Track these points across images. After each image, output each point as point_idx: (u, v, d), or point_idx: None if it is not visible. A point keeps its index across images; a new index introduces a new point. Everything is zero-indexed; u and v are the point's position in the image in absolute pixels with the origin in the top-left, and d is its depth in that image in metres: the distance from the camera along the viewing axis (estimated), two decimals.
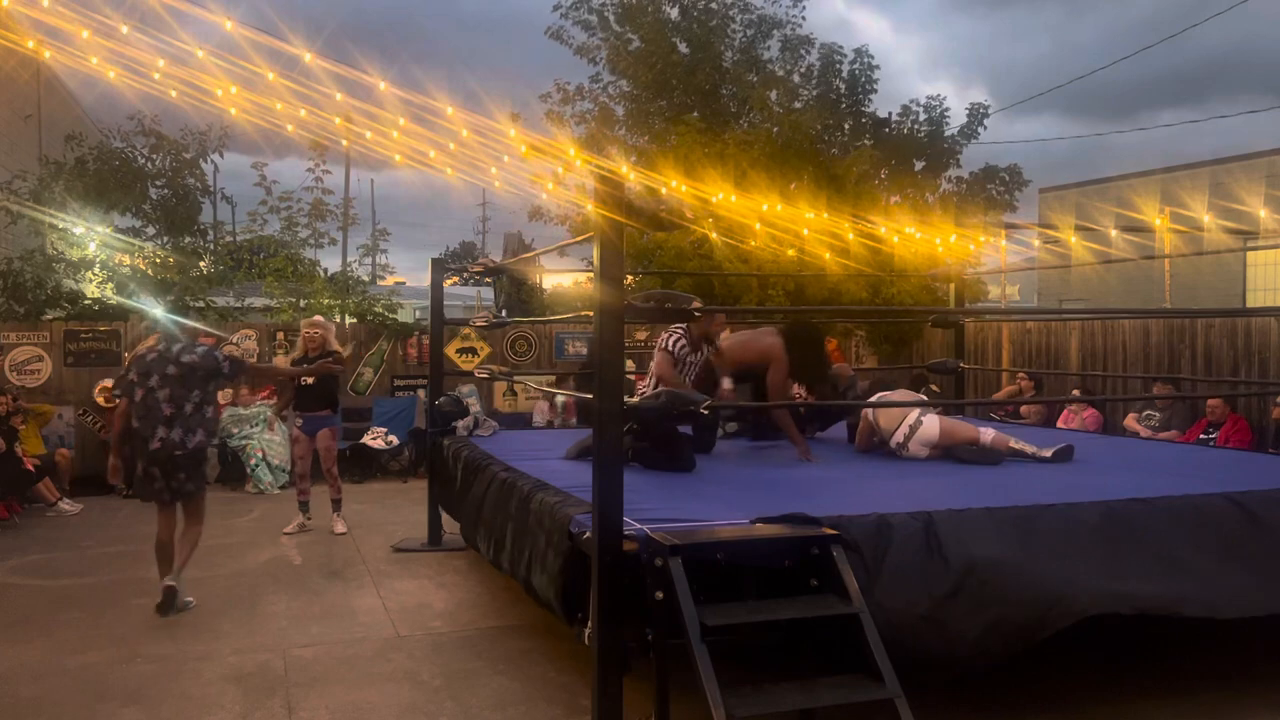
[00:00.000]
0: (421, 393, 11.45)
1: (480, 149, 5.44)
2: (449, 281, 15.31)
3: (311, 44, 4.73)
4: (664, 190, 8.92)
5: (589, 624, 3.86)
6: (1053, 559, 4.01)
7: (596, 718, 3.76)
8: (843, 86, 13.39)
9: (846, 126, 13.54)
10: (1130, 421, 9.52)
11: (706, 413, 4.52)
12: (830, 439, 7.07)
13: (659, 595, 3.53)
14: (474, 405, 9.88)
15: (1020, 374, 10.80)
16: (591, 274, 4.19)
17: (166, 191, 12.54)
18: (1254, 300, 17.71)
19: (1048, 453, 5.93)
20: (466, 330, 12.16)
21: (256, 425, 10.65)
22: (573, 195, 9.43)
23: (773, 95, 12.95)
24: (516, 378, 10.90)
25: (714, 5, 13.65)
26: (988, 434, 6.10)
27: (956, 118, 14.50)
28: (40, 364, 10.85)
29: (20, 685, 4.65)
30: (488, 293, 17.82)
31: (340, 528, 8.09)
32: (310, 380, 7.94)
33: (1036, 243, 12.39)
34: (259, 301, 13.53)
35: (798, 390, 6.42)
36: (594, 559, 3.76)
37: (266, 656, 5.03)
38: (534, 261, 10.70)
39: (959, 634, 3.79)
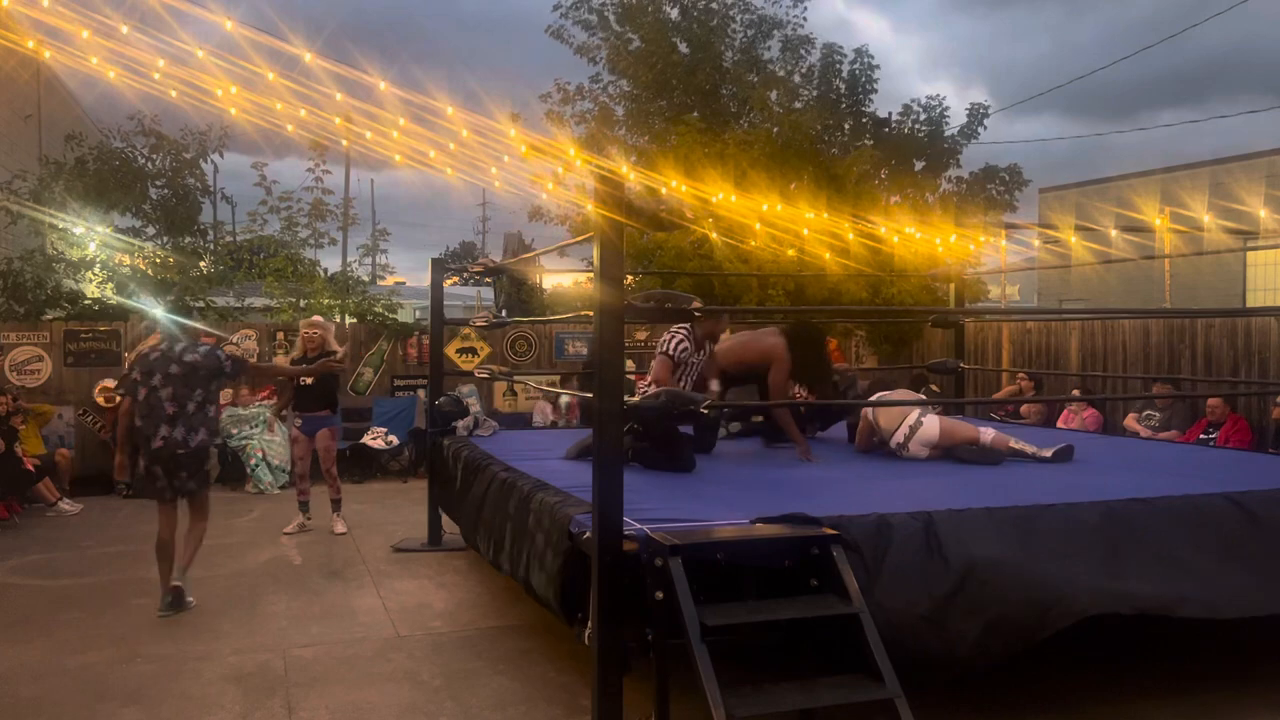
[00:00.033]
0: (421, 393, 11.45)
1: (480, 149, 5.44)
2: (449, 281, 15.31)
3: (311, 44, 4.74)
4: (664, 190, 8.92)
5: (589, 624, 3.86)
6: (1053, 559, 4.01)
7: (596, 718, 3.76)
8: (842, 86, 13.39)
9: (846, 126, 13.55)
10: (1130, 421, 9.52)
11: (707, 412, 4.52)
12: (830, 439, 7.07)
13: (659, 595, 3.53)
14: (474, 405, 9.88)
15: (1020, 374, 10.80)
16: (591, 274, 4.19)
17: (166, 191, 12.54)
18: (1254, 300, 17.71)
19: (1048, 453, 5.93)
20: (466, 330, 12.16)
21: (256, 426, 10.66)
22: (573, 195, 9.43)
23: (773, 95, 12.95)
24: (517, 378, 10.90)
25: (714, 5, 13.65)
26: (988, 434, 6.10)
27: (956, 118, 14.52)
28: (40, 364, 10.85)
29: (20, 685, 4.65)
30: (488, 293, 17.82)
31: (340, 528, 8.09)
32: (309, 380, 7.94)
33: (1036, 243, 12.39)
34: (259, 301, 13.53)
35: (797, 390, 6.42)
36: (594, 559, 3.76)
37: (266, 656, 5.03)
38: (534, 261, 10.70)
39: (959, 634, 3.79)
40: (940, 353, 11.21)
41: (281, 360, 10.87)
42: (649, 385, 6.14)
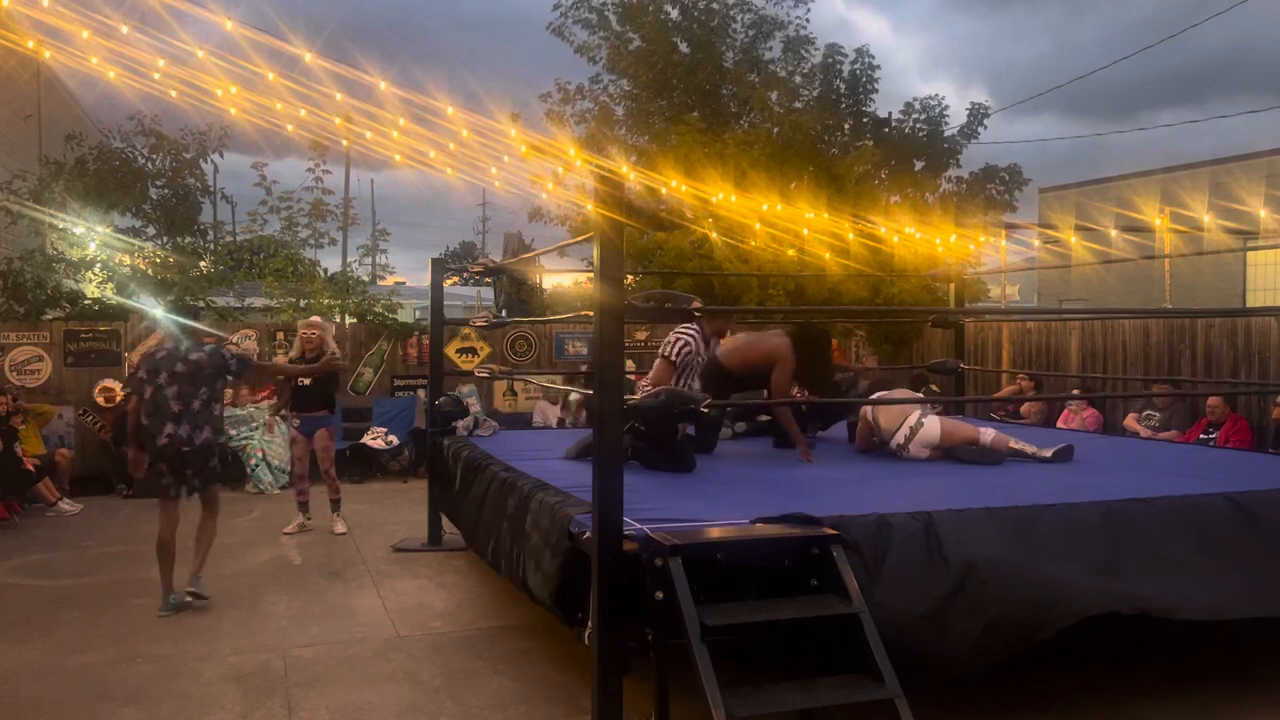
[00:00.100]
0: (421, 393, 11.45)
1: (480, 149, 5.44)
2: (449, 281, 15.31)
3: (311, 44, 4.74)
4: (664, 190, 8.93)
5: (589, 624, 3.86)
6: (1053, 559, 4.01)
7: (596, 718, 3.76)
8: (843, 87, 13.39)
9: (847, 126, 13.55)
10: (1130, 421, 9.52)
11: (707, 411, 4.51)
12: (830, 439, 7.07)
13: (659, 595, 3.53)
14: (474, 405, 9.88)
15: (1020, 375, 10.80)
16: (591, 274, 4.19)
17: (166, 191, 12.55)
18: (1254, 300, 17.71)
19: (1048, 453, 5.93)
20: (466, 330, 12.16)
21: (257, 427, 10.66)
22: (573, 195, 9.44)
23: (773, 96, 12.96)
24: (521, 377, 10.90)
25: (715, 5, 13.65)
26: (988, 434, 6.09)
27: (957, 117, 14.52)
28: (40, 364, 10.85)
29: (20, 685, 4.65)
30: (488, 293, 17.81)
31: (340, 528, 8.09)
32: (307, 381, 7.94)
33: (1036, 243, 12.39)
34: (259, 301, 13.53)
35: (797, 391, 6.41)
36: (594, 559, 3.76)
37: (266, 656, 5.03)
38: (534, 261, 10.69)
39: (959, 634, 3.79)
40: (940, 353, 11.21)
41: (281, 360, 10.88)
42: (648, 386, 6.13)
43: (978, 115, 13.38)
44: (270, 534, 8.09)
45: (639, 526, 3.79)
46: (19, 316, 11.22)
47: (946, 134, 13.32)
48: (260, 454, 10.55)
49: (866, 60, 13.32)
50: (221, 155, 12.80)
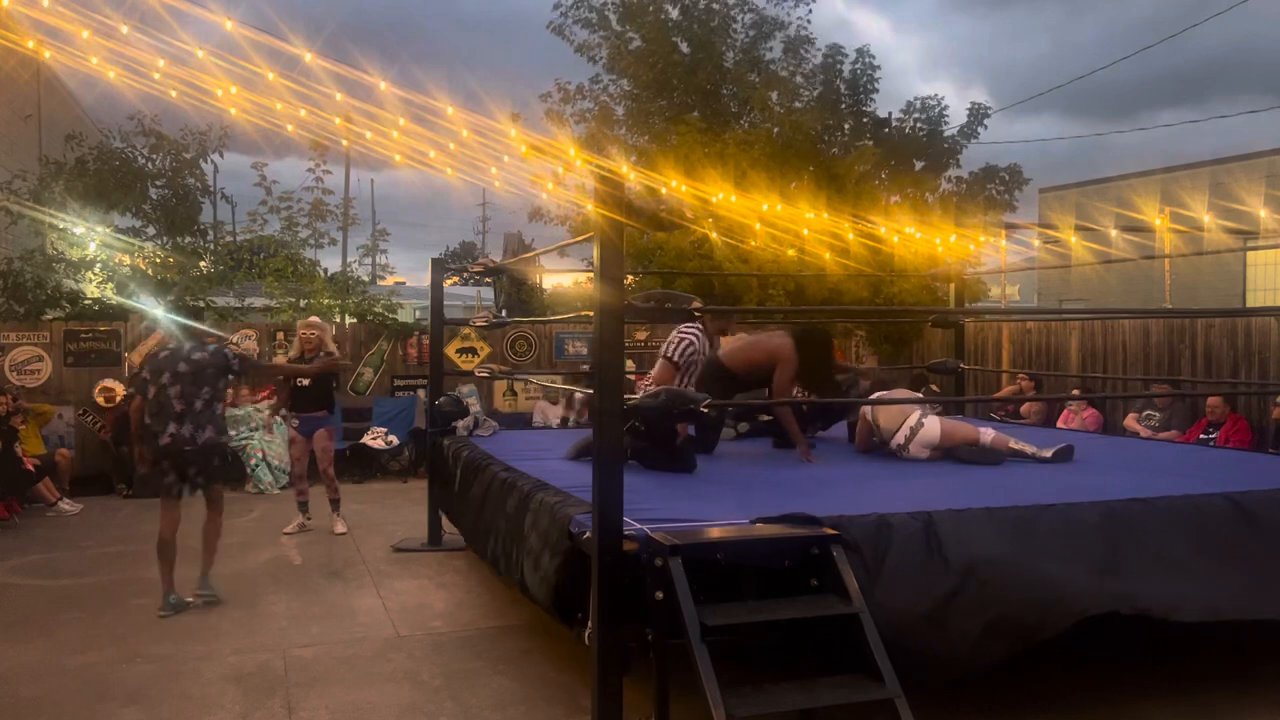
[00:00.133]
0: (421, 393, 11.45)
1: (480, 149, 5.44)
2: (449, 281, 15.31)
3: (311, 44, 4.74)
4: (664, 190, 8.93)
5: (589, 624, 3.86)
6: (1053, 559, 4.00)
7: (596, 718, 3.76)
8: (843, 87, 13.39)
9: (847, 126, 13.55)
10: (1130, 421, 9.52)
11: (707, 411, 4.51)
12: (830, 439, 7.07)
13: (659, 595, 3.53)
14: (474, 405, 9.88)
15: (1021, 375, 10.80)
16: (591, 274, 4.18)
17: (166, 191, 12.54)
18: (1254, 300, 17.70)
19: (1048, 453, 5.93)
20: (466, 330, 12.16)
21: (256, 427, 10.65)
22: (573, 195, 9.43)
23: (773, 96, 12.95)
24: (521, 377, 10.89)
25: (715, 5, 13.65)
26: (988, 434, 6.09)
27: (957, 117, 14.53)
28: (40, 364, 10.85)
29: (20, 685, 4.65)
30: (488, 293, 17.81)
31: (340, 528, 8.09)
32: (306, 381, 7.95)
33: (1036, 243, 12.38)
34: (259, 301, 13.54)
35: (798, 391, 6.41)
36: (594, 559, 3.75)
37: (266, 656, 5.03)
38: (534, 261, 10.70)
39: (959, 634, 3.79)
40: (940, 353, 11.21)
41: (281, 360, 10.88)
42: (649, 385, 6.13)
43: (978, 115, 13.38)
44: (270, 534, 8.09)
45: (639, 526, 3.79)
46: (19, 316, 11.22)
47: (946, 134, 13.32)
48: (260, 454, 10.55)
49: (867, 60, 13.33)
50: (221, 155, 12.82)
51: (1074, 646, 4.44)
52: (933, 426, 6.00)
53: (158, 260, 12.30)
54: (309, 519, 8.22)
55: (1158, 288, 13.75)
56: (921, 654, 3.72)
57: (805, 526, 3.85)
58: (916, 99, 13.42)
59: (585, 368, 11.28)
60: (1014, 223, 12.10)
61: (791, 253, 9.60)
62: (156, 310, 10.11)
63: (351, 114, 5.71)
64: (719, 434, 6.62)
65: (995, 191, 13.22)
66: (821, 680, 3.51)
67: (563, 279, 17.41)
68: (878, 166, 12.75)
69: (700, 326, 5.96)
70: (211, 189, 13.40)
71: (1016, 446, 6.01)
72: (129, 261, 12.19)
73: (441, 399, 7.56)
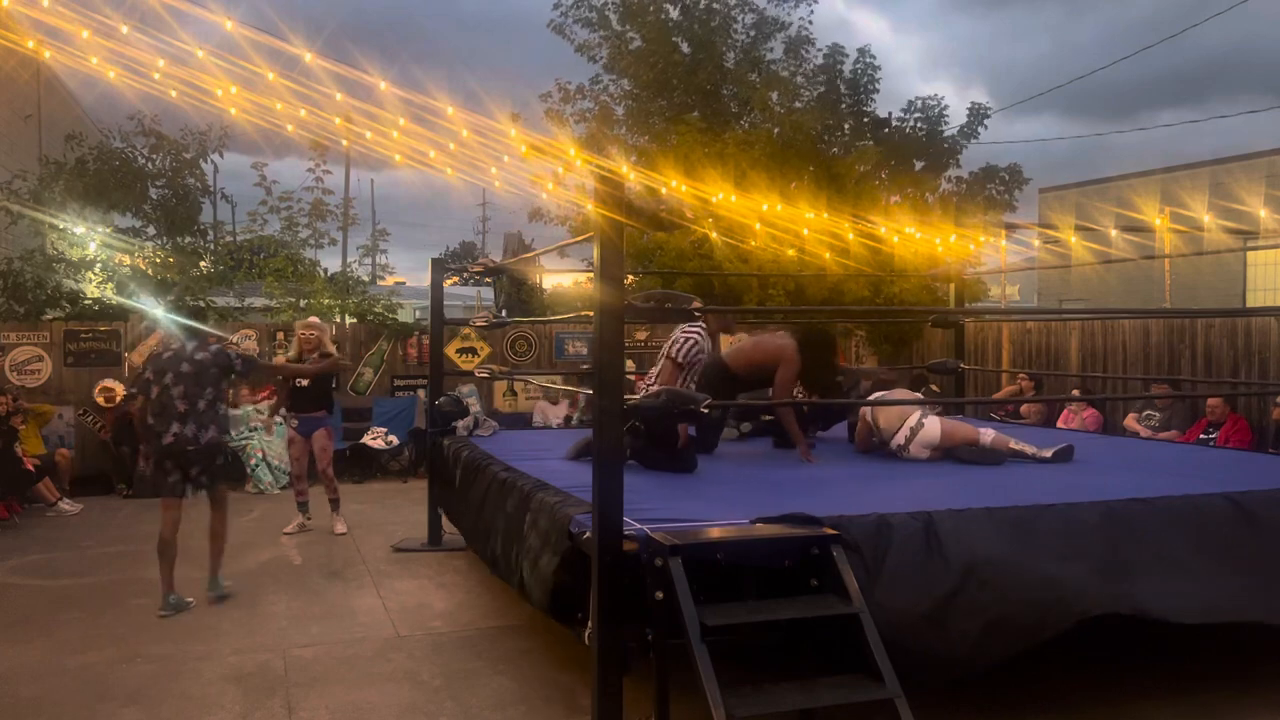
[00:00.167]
0: (421, 393, 11.45)
1: (480, 149, 5.45)
2: (449, 281, 15.31)
3: (311, 44, 4.74)
4: (664, 190, 8.93)
5: (589, 624, 3.86)
6: (1053, 559, 4.00)
7: (596, 718, 3.76)
8: (843, 87, 13.40)
9: (847, 126, 13.55)
10: (1130, 421, 9.52)
11: (707, 412, 4.51)
12: (830, 439, 7.07)
13: (659, 595, 3.53)
14: (474, 405, 9.88)
15: (1021, 374, 10.81)
16: (591, 274, 4.18)
17: (166, 191, 12.54)
18: (1254, 300, 17.70)
19: (1048, 453, 5.93)
20: (466, 330, 12.16)
21: (256, 427, 10.66)
22: (573, 195, 9.44)
23: (774, 96, 12.96)
24: (521, 377, 10.90)
25: (716, 5, 13.65)
26: (988, 434, 6.09)
27: (957, 117, 14.53)
28: (40, 364, 10.85)
29: (20, 685, 4.65)
30: (488, 293, 17.81)
31: (340, 528, 8.09)
32: (305, 381, 7.95)
33: (1036, 243, 12.39)
34: (259, 301, 13.54)
35: (800, 392, 6.41)
36: (594, 559, 3.75)
37: (266, 656, 5.03)
38: (534, 261, 10.70)
39: (959, 634, 3.79)
40: (940, 353, 11.21)
41: (281, 360, 10.88)
42: (649, 385, 6.13)
43: (978, 115, 13.39)
44: (270, 534, 8.09)
45: (639, 526, 3.79)
46: (19, 316, 11.22)
47: (946, 134, 13.33)
48: (260, 454, 10.55)
49: (868, 60, 13.33)
50: (221, 155, 12.81)
51: (1074, 646, 4.44)
52: (933, 427, 6.00)
53: (158, 260, 12.30)
54: (309, 519, 8.22)
55: (1158, 288, 13.75)
56: (921, 654, 3.72)
57: (805, 526, 3.85)
58: (917, 99, 13.44)
59: (585, 368, 11.28)
60: (1014, 223, 12.11)
61: (791, 253, 9.60)
62: (156, 310, 10.12)
63: (351, 114, 5.71)
64: (720, 433, 6.62)
65: (995, 191, 13.24)
66: (821, 680, 3.51)
67: (563, 279, 17.41)
68: (878, 166, 12.76)
69: (703, 326, 5.96)
70: (211, 189, 13.40)
71: (1016, 447, 6.01)
72: (129, 261, 12.19)
73: (441, 399, 7.56)
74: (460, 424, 7.41)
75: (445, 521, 7.40)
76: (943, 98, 13.37)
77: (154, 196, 12.54)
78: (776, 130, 12.55)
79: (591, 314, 4.01)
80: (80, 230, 11.90)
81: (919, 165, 13.27)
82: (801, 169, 12.42)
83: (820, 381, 6.31)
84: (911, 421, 6.03)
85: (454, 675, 4.75)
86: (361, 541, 7.78)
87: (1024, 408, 10.22)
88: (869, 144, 12.98)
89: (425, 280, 11.58)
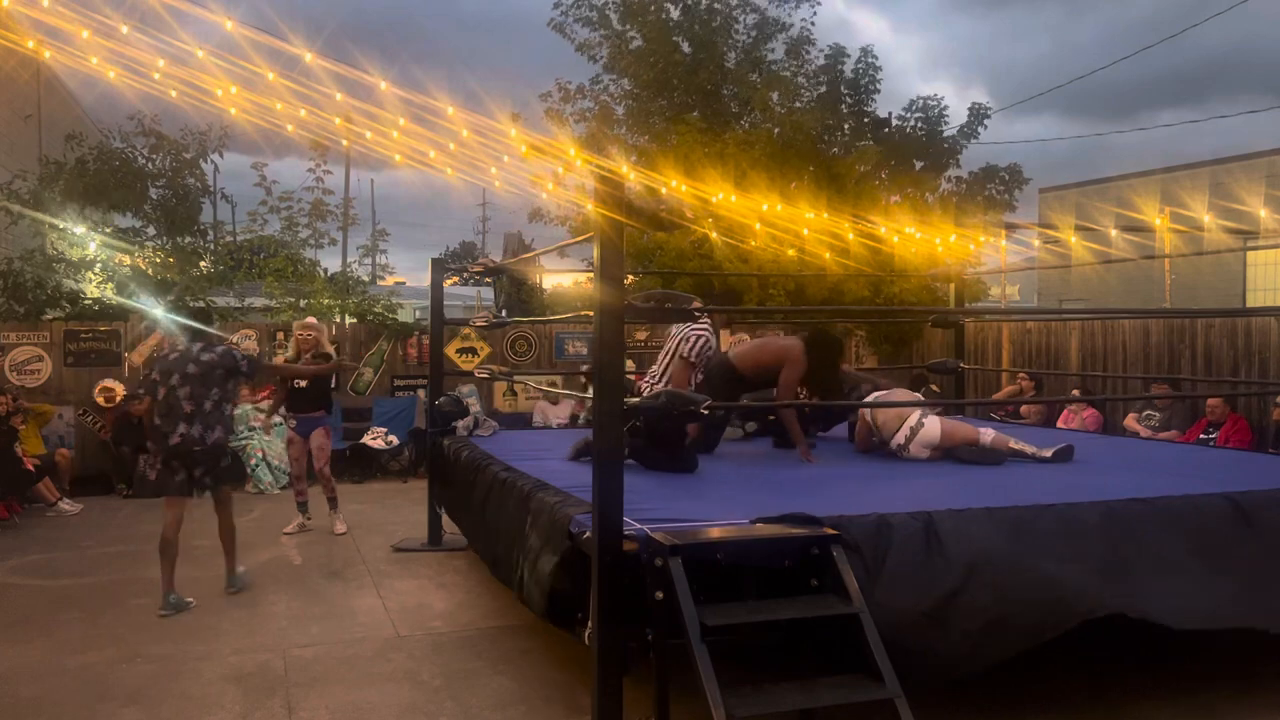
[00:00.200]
0: (421, 393, 11.45)
1: (480, 149, 5.44)
2: (449, 281, 15.30)
3: (311, 44, 4.74)
4: (664, 190, 8.93)
5: (589, 624, 3.86)
6: (1053, 559, 4.00)
7: (596, 718, 3.76)
8: (844, 87, 13.39)
9: (847, 127, 13.55)
10: (1130, 421, 9.52)
11: (707, 412, 4.51)
12: (830, 439, 7.07)
13: (659, 595, 3.53)
14: (474, 405, 9.88)
15: (1021, 374, 10.81)
16: (591, 274, 4.18)
17: (166, 191, 12.53)
18: (1254, 300, 17.70)
19: (1048, 453, 5.93)
20: (466, 330, 12.16)
21: (255, 427, 10.65)
22: (573, 195, 9.44)
23: (774, 96, 12.95)
24: (517, 378, 10.90)
25: (717, 5, 13.65)
26: (988, 434, 6.10)
27: (957, 117, 14.54)
28: (40, 364, 10.85)
29: (20, 685, 4.65)
30: (488, 293, 17.81)
31: (340, 528, 8.09)
32: (304, 382, 7.96)
33: (1036, 243, 12.39)
34: (259, 301, 13.54)
35: (802, 393, 6.41)
36: (594, 559, 3.75)
37: (266, 656, 5.03)
38: (534, 261, 10.69)
39: (959, 634, 3.79)
40: (940, 353, 11.21)
41: (280, 360, 10.88)
42: (651, 384, 6.13)
43: (978, 115, 13.38)
44: (270, 534, 8.09)
45: (639, 526, 3.79)
46: (19, 316, 11.22)
47: (946, 134, 13.32)
48: (260, 454, 10.55)
49: (869, 60, 13.32)
50: (221, 155, 12.79)
51: (1074, 646, 4.44)
52: (933, 427, 6.00)
53: (158, 260, 12.30)
54: (309, 519, 8.22)
55: (1158, 288, 13.75)
56: (922, 654, 3.72)
57: (805, 526, 3.85)
58: (917, 99, 13.43)
59: (585, 368, 11.28)
60: (1014, 223, 12.11)
61: (791, 253, 9.60)
62: (156, 310, 10.12)
63: (351, 114, 5.70)
64: (721, 433, 6.62)
65: (995, 191, 13.23)
66: (821, 680, 3.51)
67: (563, 279, 17.39)
68: (878, 166, 12.75)
69: (709, 323, 5.98)
70: (211, 189, 13.39)
71: (1016, 446, 6.01)
72: (129, 261, 12.19)
73: (441, 399, 7.56)
74: (460, 424, 7.41)
75: (445, 521, 7.40)
76: (943, 98, 13.38)
77: (154, 196, 12.53)
78: (777, 130, 12.54)
79: (591, 314, 4.01)
80: (80, 230, 11.89)
81: (919, 165, 13.26)
82: (801, 169, 12.42)
83: (824, 384, 6.31)
84: (911, 421, 6.03)
85: (454, 675, 4.75)
86: (361, 541, 7.78)
87: (1024, 408, 10.22)
88: (869, 144, 12.97)
89: (425, 280, 11.58)
